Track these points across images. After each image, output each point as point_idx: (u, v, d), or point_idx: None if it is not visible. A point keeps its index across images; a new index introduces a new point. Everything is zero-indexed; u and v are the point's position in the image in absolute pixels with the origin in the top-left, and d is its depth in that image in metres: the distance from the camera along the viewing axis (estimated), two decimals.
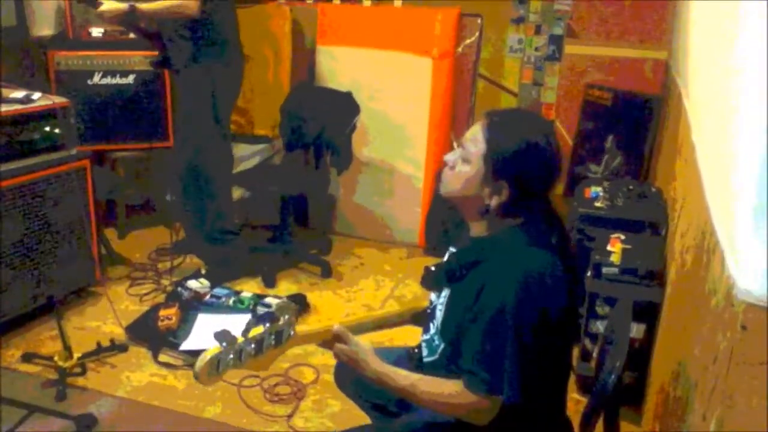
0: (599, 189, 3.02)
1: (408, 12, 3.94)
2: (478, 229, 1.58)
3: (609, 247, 2.61)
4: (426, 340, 1.66)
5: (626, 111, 4.01)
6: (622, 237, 2.65)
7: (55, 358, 2.64)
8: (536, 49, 4.65)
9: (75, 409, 2.43)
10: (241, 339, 1.40)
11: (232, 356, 1.38)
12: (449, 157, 1.57)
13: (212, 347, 1.36)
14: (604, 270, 2.51)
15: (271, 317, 1.48)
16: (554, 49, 4.58)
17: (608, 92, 4.17)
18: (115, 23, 3.20)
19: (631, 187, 3.00)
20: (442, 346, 1.58)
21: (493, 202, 1.50)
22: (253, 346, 1.42)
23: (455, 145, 1.61)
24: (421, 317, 1.76)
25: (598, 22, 4.23)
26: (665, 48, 3.99)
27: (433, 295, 1.70)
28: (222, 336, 1.38)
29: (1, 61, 3.26)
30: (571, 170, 4.40)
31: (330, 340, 1.59)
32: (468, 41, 4.02)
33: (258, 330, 1.44)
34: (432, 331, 1.64)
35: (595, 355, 2.55)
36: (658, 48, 4.05)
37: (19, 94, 2.93)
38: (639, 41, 4.12)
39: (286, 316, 1.50)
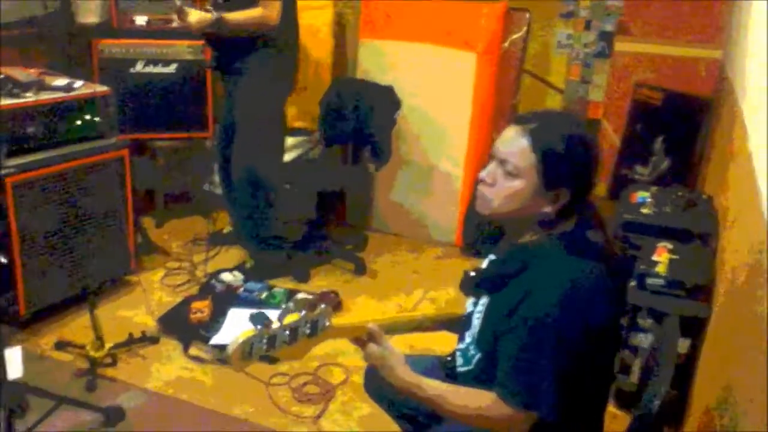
0: (646, 194, 2.90)
1: (453, 6, 3.83)
2: (520, 235, 1.51)
3: (655, 257, 2.49)
4: (461, 350, 1.60)
5: (677, 112, 3.85)
6: (669, 247, 2.54)
7: (87, 348, 2.65)
8: (585, 45, 4.51)
9: (104, 400, 2.43)
10: (276, 323, 1.36)
11: (266, 341, 1.34)
12: (487, 175, 1.48)
13: (246, 329, 1.33)
14: (649, 281, 2.40)
15: (309, 304, 1.44)
16: (604, 46, 4.44)
17: (659, 92, 4.01)
18: (199, 33, 3.17)
19: (680, 193, 2.87)
20: (477, 356, 1.52)
21: (553, 209, 1.44)
22: (287, 333, 1.38)
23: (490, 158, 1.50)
24: (456, 324, 1.70)
25: (650, 18, 4.07)
26: (720, 47, 3.82)
27: (470, 302, 1.63)
28: (257, 318, 1.34)
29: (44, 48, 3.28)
30: (617, 172, 4.26)
31: (363, 338, 1.54)
32: (515, 36, 3.90)
33: (294, 317, 1.40)
34: (468, 340, 1.57)
35: (636, 369, 2.45)
36: (713, 47, 3.87)
37: (62, 81, 2.94)
38: (693, 39, 3.95)
39: (323, 306, 1.45)
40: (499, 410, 1.39)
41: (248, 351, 1.31)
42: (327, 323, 1.43)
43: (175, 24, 3.15)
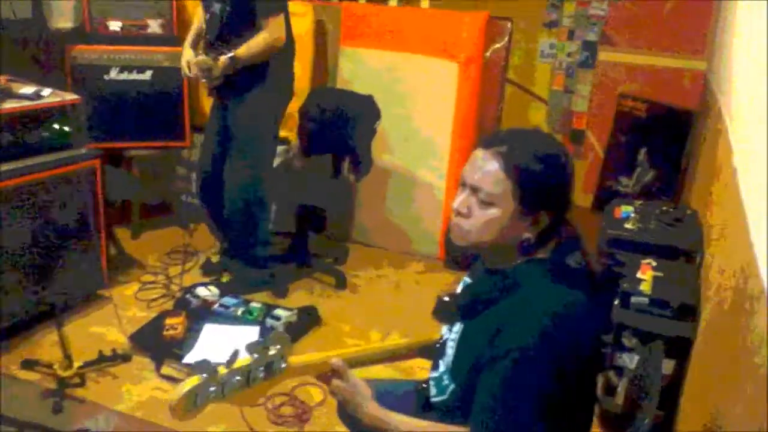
0: (630, 209, 2.85)
1: (434, 14, 3.79)
2: (498, 262, 1.43)
3: (639, 274, 2.44)
4: (434, 378, 1.52)
5: (661, 124, 3.82)
6: (654, 264, 2.49)
7: (55, 367, 2.55)
8: (568, 55, 4.48)
9: (72, 423, 2.34)
10: (223, 370, 1.27)
11: (213, 389, 1.25)
12: (460, 205, 1.38)
13: (191, 378, 1.24)
14: (633, 300, 2.34)
15: (259, 347, 1.35)
16: (588, 56, 4.41)
17: (643, 103, 3.99)
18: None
19: (664, 208, 2.82)
20: (452, 386, 1.44)
21: (533, 233, 1.36)
22: (238, 378, 1.29)
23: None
24: (431, 351, 1.62)
25: (635, 28, 4.05)
26: (706, 59, 3.79)
27: (444, 329, 1.56)
28: (201, 366, 1.25)
29: (2, 54, 3.17)
30: (602, 183, 4.23)
31: (327, 374, 1.46)
32: (496, 45, 3.85)
33: (245, 361, 1.31)
34: (441, 369, 1.50)
35: (621, 390, 2.39)
36: (698, 58, 3.85)
37: (29, 89, 2.84)
38: (677, 51, 3.93)
39: (279, 347, 1.36)
40: None
41: (194, 401, 1.22)
42: (283, 365, 1.35)
43: (192, 75, 3.07)
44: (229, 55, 2.93)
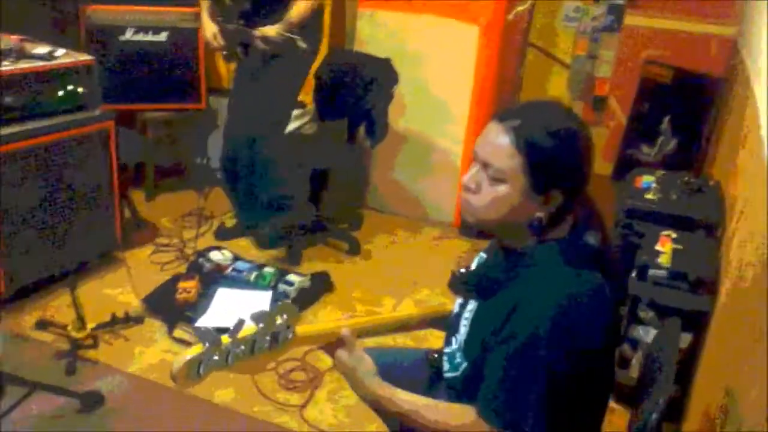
0: (652, 179, 2.78)
1: None
2: (511, 241, 1.38)
3: (658, 246, 2.39)
4: (447, 354, 1.49)
5: (686, 92, 3.71)
6: (674, 236, 2.43)
7: (68, 328, 2.57)
8: (593, 18, 4.35)
9: (84, 384, 2.36)
10: (227, 340, 1.25)
11: (216, 357, 1.23)
12: (469, 180, 1.32)
13: (194, 347, 1.22)
14: (651, 272, 2.29)
15: (265, 317, 1.32)
16: (613, 20, 4.27)
17: (668, 70, 3.86)
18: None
19: (686, 179, 2.74)
20: (464, 365, 1.40)
21: (545, 212, 1.30)
22: (242, 347, 1.27)
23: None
24: (444, 322, 1.59)
25: None
26: (734, 24, 3.65)
27: (457, 303, 1.52)
28: (204, 335, 1.23)
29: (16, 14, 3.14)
30: (623, 151, 4.13)
31: (332, 344, 1.44)
32: (519, 9, 3.74)
33: (250, 330, 1.29)
34: (454, 345, 1.46)
35: (635, 363, 2.36)
36: (727, 24, 3.71)
37: (43, 50, 2.81)
38: (706, 15, 3.78)
39: (285, 317, 1.33)
40: (479, 429, 1.28)
41: (196, 370, 1.20)
42: (290, 335, 1.32)
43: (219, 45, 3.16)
44: (287, 21, 2.98)
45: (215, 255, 3.17)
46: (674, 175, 2.81)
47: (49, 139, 2.72)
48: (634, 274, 2.34)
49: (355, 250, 3.42)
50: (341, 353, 1.41)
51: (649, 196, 2.68)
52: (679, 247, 2.37)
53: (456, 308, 1.52)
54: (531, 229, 1.31)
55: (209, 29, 3.16)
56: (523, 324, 1.25)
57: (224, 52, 3.24)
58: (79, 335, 2.55)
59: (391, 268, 3.36)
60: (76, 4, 3.55)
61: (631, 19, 4.11)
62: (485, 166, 1.30)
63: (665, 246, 2.37)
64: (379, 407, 1.41)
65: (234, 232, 3.50)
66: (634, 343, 2.37)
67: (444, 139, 3.70)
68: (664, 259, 2.31)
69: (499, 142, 1.28)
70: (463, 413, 1.32)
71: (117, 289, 2.98)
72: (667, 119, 3.81)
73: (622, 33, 4.18)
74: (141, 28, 3.65)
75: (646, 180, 2.79)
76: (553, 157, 1.27)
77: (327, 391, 2.46)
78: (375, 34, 3.77)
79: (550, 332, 1.22)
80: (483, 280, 1.41)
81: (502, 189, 1.29)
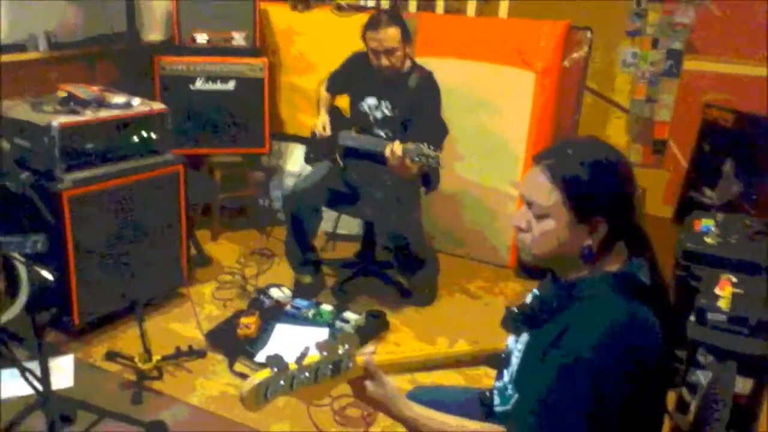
0: (711, 222, 2.74)
1: (512, 24, 3.76)
2: (566, 273, 1.42)
3: (717, 290, 2.34)
4: (499, 388, 1.52)
5: (749, 135, 3.67)
6: (734, 280, 2.38)
7: (136, 359, 2.69)
8: (651, 63, 4.37)
9: (149, 414, 2.46)
10: (294, 366, 1.32)
11: (282, 382, 1.30)
12: (518, 220, 1.41)
13: (262, 371, 1.29)
14: (710, 316, 2.25)
15: (329, 346, 1.38)
16: (672, 65, 4.29)
17: (730, 113, 3.84)
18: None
19: (747, 222, 2.70)
20: (515, 396, 1.43)
21: (594, 240, 1.35)
22: (306, 374, 1.33)
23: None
24: (496, 360, 1.62)
25: (722, 36, 3.90)
26: None
27: (510, 339, 1.55)
28: (273, 361, 1.30)
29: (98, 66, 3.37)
30: (684, 194, 4.09)
31: (357, 378, 1.43)
32: (575, 55, 3.79)
33: (314, 358, 1.35)
34: (506, 379, 1.49)
35: (693, 408, 2.30)
36: None
37: (121, 99, 3.02)
38: (766, 58, 3.75)
39: (347, 346, 1.39)
40: None
41: (263, 393, 1.27)
42: (350, 364, 1.38)
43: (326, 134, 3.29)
44: (431, 152, 2.85)
45: (275, 292, 3.27)
46: (735, 218, 2.77)
47: (124, 181, 2.90)
48: (692, 318, 2.30)
49: (409, 291, 3.46)
50: (367, 384, 1.44)
51: (708, 239, 2.64)
52: (740, 291, 2.32)
53: (508, 343, 1.55)
54: (583, 259, 1.36)
55: (322, 119, 3.30)
56: (567, 350, 1.28)
57: (312, 155, 3.38)
58: (145, 367, 2.67)
59: (446, 308, 3.39)
60: (151, 56, 3.79)
61: (690, 64, 4.11)
62: (530, 205, 1.38)
63: (725, 290, 2.33)
64: (412, 429, 1.43)
65: (312, 289, 3.44)
66: (693, 389, 2.32)
67: (500, 183, 3.74)
68: (723, 303, 2.27)
69: (537, 181, 1.36)
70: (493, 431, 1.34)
71: (181, 324, 3.10)
72: (729, 162, 3.76)
73: (681, 77, 4.18)
74: (211, 78, 3.87)
75: (705, 223, 2.75)
76: (589, 187, 1.32)
77: (381, 427, 2.49)
78: None
79: (594, 360, 1.24)
80: (535, 311, 1.45)
81: (549, 224, 1.35)
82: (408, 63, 3.24)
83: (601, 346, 1.25)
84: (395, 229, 3.16)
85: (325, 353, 1.35)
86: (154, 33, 4.05)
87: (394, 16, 3.17)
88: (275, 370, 1.28)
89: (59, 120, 2.71)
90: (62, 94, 2.92)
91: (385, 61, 3.10)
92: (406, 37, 3.14)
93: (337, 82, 3.41)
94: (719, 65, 3.94)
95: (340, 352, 1.37)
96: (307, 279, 3.42)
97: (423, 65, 3.33)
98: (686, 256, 2.60)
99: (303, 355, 1.32)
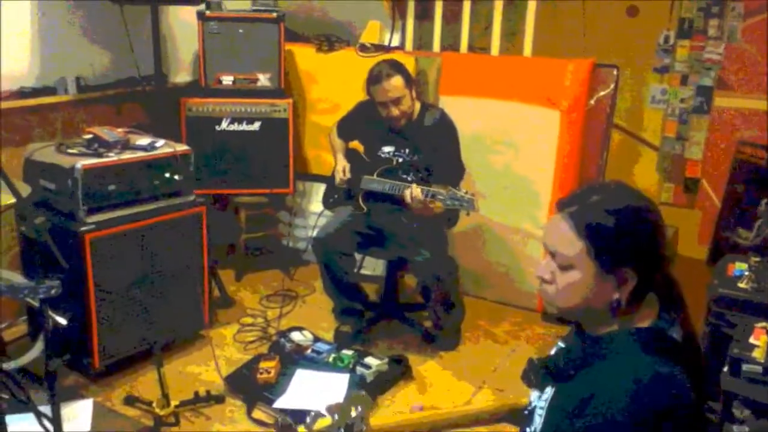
0: (744, 267, 2.63)
1: (536, 63, 3.73)
2: (594, 327, 1.35)
3: (752, 339, 2.24)
4: None
5: None
6: None
7: (153, 405, 2.66)
8: (681, 100, 4.29)
9: None
10: (303, 431, 1.28)
11: None
12: (542, 271, 1.34)
13: None
14: (745, 367, 2.15)
15: (340, 409, 1.34)
16: (702, 101, 4.20)
17: (763, 150, 3.73)
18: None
19: None
20: None
21: (622, 293, 1.27)
22: None
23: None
24: (518, 416, 1.55)
25: (753, 72, 3.82)
26: None
27: (533, 394, 1.48)
28: (283, 427, 1.26)
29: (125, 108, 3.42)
30: (718, 235, 3.96)
31: None
32: (602, 93, 3.73)
33: (325, 422, 1.31)
34: None
35: None
36: None
37: (145, 141, 3.04)
38: None
39: (359, 409, 1.34)
40: None
41: None
42: (363, 428, 1.33)
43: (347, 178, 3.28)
44: (465, 195, 2.88)
45: (296, 335, 3.22)
46: None
47: (146, 223, 2.91)
48: (726, 369, 2.20)
49: (432, 335, 3.38)
50: None
51: (742, 284, 2.54)
52: None
53: (532, 400, 1.48)
54: (612, 312, 1.29)
55: (341, 163, 3.30)
56: (599, 410, 1.21)
57: (331, 199, 3.37)
58: (163, 413, 2.63)
59: (471, 353, 3.31)
60: (177, 98, 3.84)
61: (721, 101, 4.03)
62: (553, 255, 1.31)
63: (760, 339, 2.22)
64: None
65: (352, 338, 3.34)
66: None
67: (527, 223, 3.67)
68: (759, 354, 2.16)
69: (560, 230, 1.29)
70: None
71: (201, 367, 3.07)
72: (765, 202, 3.63)
73: (712, 114, 4.09)
74: (236, 119, 3.90)
75: (739, 267, 2.65)
76: (616, 236, 1.25)
77: None
78: (456, 120, 3.84)
79: (625, 421, 1.17)
80: (560, 365, 1.37)
81: (574, 275, 1.28)
82: (417, 105, 3.24)
83: (629, 410, 1.18)
84: (431, 265, 3.11)
85: (336, 417, 1.30)
86: (180, 75, 4.12)
87: (393, 64, 3.18)
88: None
89: (83, 162, 2.73)
90: (88, 136, 2.95)
91: (395, 111, 3.13)
92: (409, 81, 3.17)
93: (346, 130, 3.43)
94: (750, 101, 3.85)
95: (353, 414, 1.32)
96: (346, 327, 3.37)
97: (436, 105, 3.34)
98: (719, 303, 2.49)
99: (313, 421, 1.28)
